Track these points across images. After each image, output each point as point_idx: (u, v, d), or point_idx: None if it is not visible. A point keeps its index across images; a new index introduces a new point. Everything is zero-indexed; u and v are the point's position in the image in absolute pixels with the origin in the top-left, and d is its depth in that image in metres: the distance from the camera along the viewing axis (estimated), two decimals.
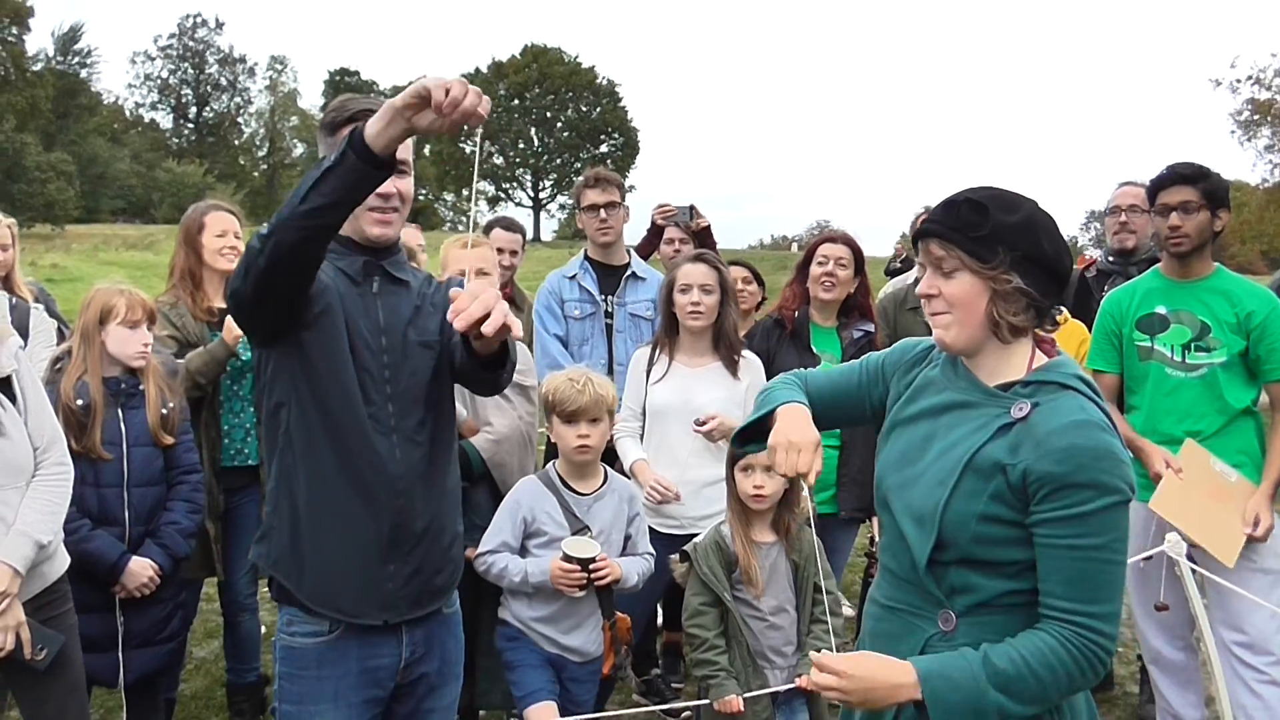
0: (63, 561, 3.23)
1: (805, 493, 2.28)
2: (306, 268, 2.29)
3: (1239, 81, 36.52)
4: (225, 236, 4.30)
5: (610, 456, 3.91)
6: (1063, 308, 4.60)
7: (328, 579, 2.47)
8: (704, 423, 4.11)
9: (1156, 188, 4.04)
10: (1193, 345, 3.97)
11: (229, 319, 4.05)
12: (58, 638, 3.08)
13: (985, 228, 2.05)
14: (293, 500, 2.48)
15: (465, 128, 2.07)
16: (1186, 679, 4.15)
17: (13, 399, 3.05)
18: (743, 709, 3.44)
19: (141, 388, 3.69)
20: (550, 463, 3.76)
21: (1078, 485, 1.95)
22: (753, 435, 2.37)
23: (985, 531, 2.03)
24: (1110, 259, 5.16)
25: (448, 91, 1.97)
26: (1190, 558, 3.66)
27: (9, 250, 4.47)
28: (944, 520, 2.06)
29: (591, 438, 3.58)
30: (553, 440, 3.71)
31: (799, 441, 2.16)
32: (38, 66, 70.37)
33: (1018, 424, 2.05)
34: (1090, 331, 4.37)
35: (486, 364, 2.42)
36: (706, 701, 3.50)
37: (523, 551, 3.57)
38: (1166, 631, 4.11)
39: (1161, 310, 4.04)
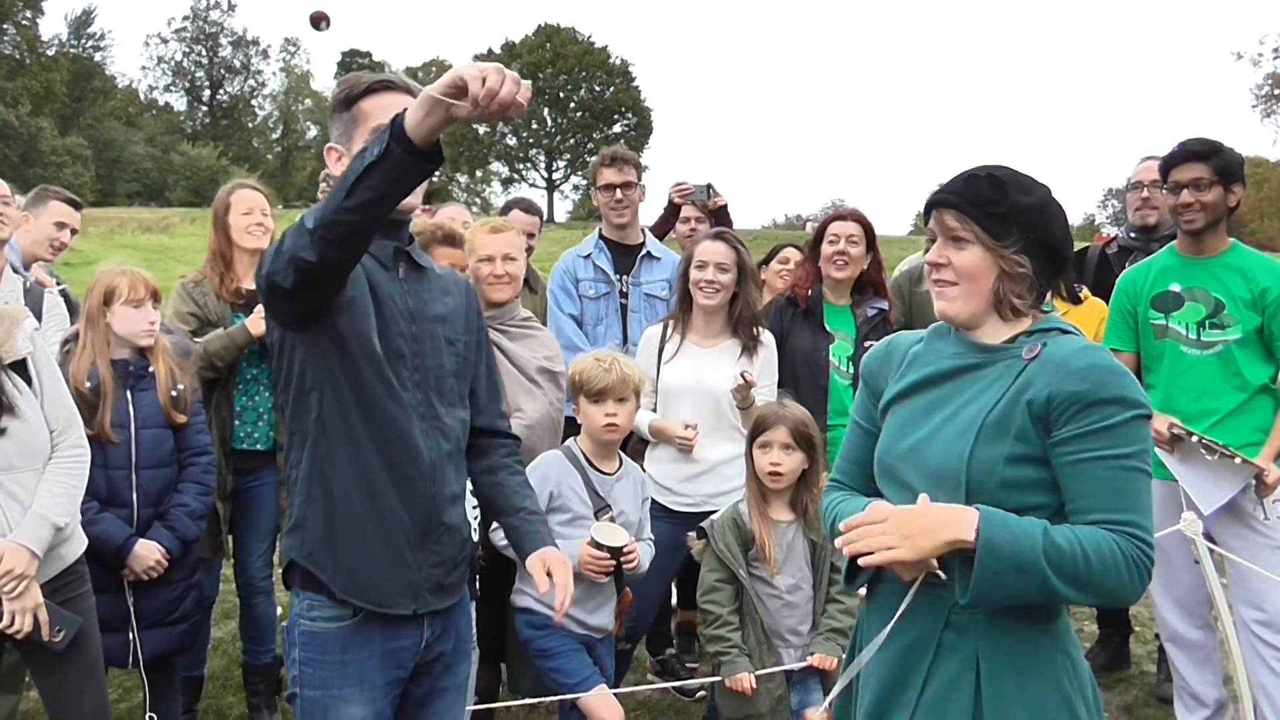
0: (80, 543, 3.24)
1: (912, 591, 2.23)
2: (352, 261, 2.25)
3: (1260, 55, 36.21)
4: (251, 214, 4.30)
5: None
6: (1083, 285, 4.58)
7: (361, 569, 2.44)
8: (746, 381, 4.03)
9: (1168, 165, 4.00)
10: (1207, 323, 3.95)
11: (259, 306, 4.06)
12: (75, 620, 3.09)
13: (1003, 205, 2.07)
14: (327, 489, 2.43)
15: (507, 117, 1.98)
16: (1204, 657, 4.13)
17: (29, 381, 3.05)
18: (755, 687, 3.44)
19: (151, 369, 3.68)
20: (571, 439, 3.76)
21: (1103, 400, 1.98)
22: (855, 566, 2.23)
23: (1014, 475, 2.03)
24: (1132, 235, 5.11)
25: (484, 82, 1.88)
26: (1208, 536, 3.64)
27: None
28: (970, 470, 2.05)
29: (619, 417, 3.59)
30: (579, 420, 3.71)
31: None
32: (51, 50, 70.54)
33: (1030, 364, 2.07)
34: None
35: None
36: (719, 679, 3.51)
37: None
38: (1184, 610, 4.09)
39: (1176, 288, 4.01)
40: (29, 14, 66.02)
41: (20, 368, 3.04)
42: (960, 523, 1.95)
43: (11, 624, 2.96)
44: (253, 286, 4.24)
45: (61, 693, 3.17)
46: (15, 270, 4.25)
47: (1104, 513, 1.96)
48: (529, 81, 1.96)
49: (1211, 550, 3.62)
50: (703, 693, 4.55)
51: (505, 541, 3.52)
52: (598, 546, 3.43)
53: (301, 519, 2.48)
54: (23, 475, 3.03)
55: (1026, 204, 2.08)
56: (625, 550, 3.47)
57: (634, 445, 4.44)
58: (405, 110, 2.00)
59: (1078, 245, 5.75)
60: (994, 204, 2.07)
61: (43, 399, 3.08)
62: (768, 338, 4.32)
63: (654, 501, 4.14)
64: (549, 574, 2.55)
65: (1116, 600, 1.99)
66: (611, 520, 3.57)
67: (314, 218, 2.14)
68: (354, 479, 2.42)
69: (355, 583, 2.45)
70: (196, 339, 4.13)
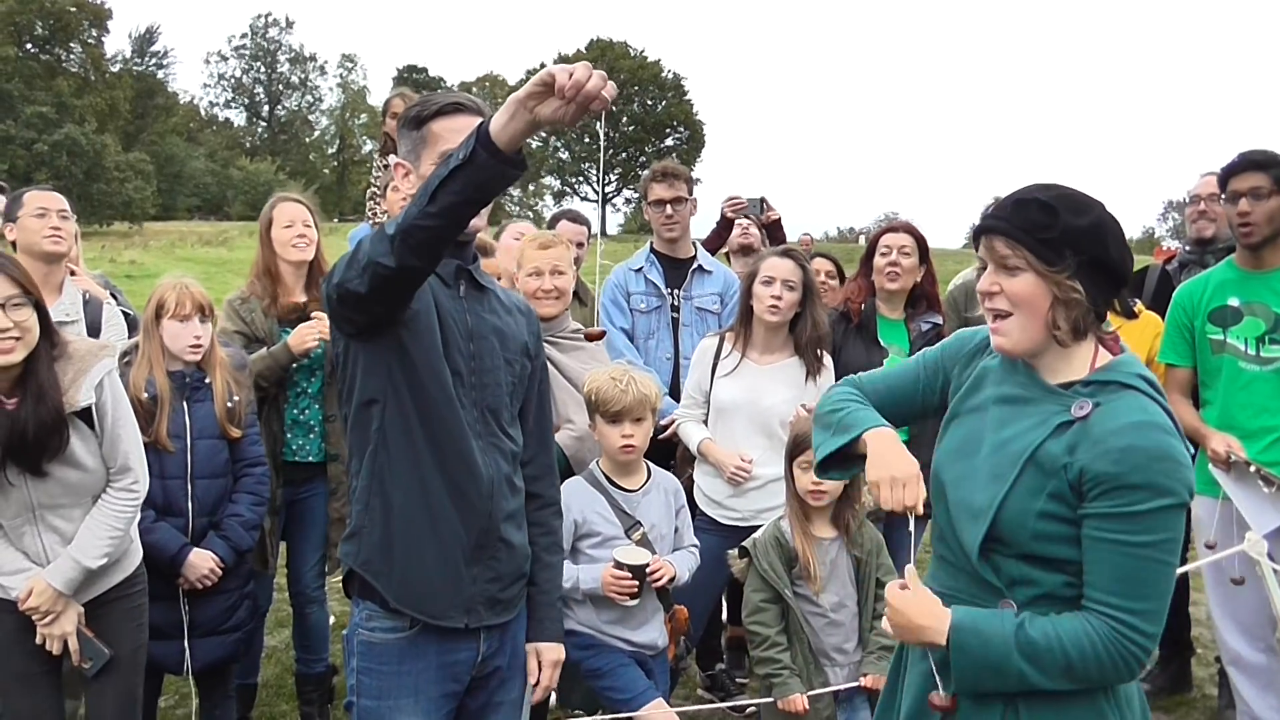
0: (137, 552, 3.32)
1: (911, 527, 2.23)
2: (428, 269, 2.28)
3: None
4: (293, 227, 4.27)
5: (653, 454, 3.87)
6: (1137, 299, 4.51)
7: (416, 579, 2.46)
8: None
9: (1227, 174, 3.96)
10: (1267, 338, 3.88)
11: (303, 325, 4.10)
12: (104, 654, 3.16)
13: (1055, 230, 2.03)
14: (386, 499, 2.46)
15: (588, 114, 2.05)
16: (1267, 681, 4.04)
17: (92, 424, 3.09)
18: (808, 708, 3.41)
19: (208, 381, 3.73)
20: (593, 461, 3.75)
21: (1132, 486, 1.93)
22: (835, 460, 2.33)
23: (1045, 529, 2.02)
24: (1186, 249, 5.05)
25: (571, 75, 1.96)
26: (1271, 557, 3.57)
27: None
28: (1000, 516, 2.05)
29: (636, 437, 3.55)
30: (596, 439, 3.70)
31: (902, 475, 2.15)
32: (116, 68, 72.22)
33: (1077, 423, 2.02)
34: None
35: None
36: (770, 700, 3.48)
37: (575, 553, 3.54)
38: (1246, 633, 4.01)
39: (1234, 302, 3.94)
40: (95, 33, 67.53)
41: (85, 413, 3.08)
42: (935, 631, 2.05)
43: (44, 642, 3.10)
44: (303, 300, 4.28)
45: (99, 702, 3.27)
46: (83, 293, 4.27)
47: (1108, 595, 1.96)
48: (613, 83, 2.03)
49: (1275, 571, 3.54)
50: (752, 709, 4.53)
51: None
52: (619, 567, 3.43)
53: (359, 527, 2.51)
54: (67, 509, 3.11)
55: (1079, 226, 2.03)
56: (649, 570, 3.45)
57: (684, 453, 4.44)
58: (490, 117, 2.06)
59: (1138, 262, 5.70)
60: (1046, 229, 2.03)
61: (101, 440, 3.12)
62: (828, 360, 4.29)
63: (703, 514, 4.13)
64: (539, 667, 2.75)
65: (1112, 685, 2.05)
66: (644, 536, 3.56)
67: (395, 224, 2.17)
68: (413, 491, 2.45)
69: (409, 593, 2.47)
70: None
